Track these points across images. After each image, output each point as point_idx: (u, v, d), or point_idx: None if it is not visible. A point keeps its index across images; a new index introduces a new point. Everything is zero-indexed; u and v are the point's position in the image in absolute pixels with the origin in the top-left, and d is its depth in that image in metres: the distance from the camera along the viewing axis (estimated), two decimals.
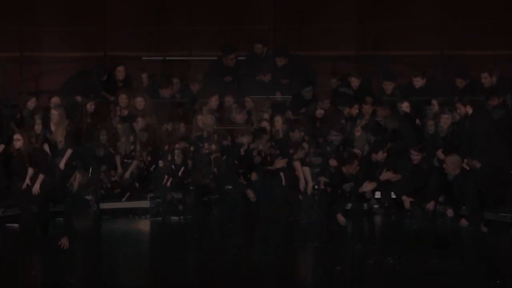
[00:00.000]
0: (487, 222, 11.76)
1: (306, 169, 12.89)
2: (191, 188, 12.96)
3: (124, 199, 12.92)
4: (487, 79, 13.41)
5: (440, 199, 12.33)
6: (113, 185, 12.95)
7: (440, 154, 12.47)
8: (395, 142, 12.84)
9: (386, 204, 12.51)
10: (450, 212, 12.08)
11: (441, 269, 9.80)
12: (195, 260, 10.67)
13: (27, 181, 11.67)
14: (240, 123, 13.67)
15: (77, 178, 11.45)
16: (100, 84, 14.20)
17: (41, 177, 11.64)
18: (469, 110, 12.52)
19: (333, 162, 12.81)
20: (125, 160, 13.15)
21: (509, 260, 10.50)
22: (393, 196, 12.52)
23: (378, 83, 14.38)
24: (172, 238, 11.80)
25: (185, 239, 11.67)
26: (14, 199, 11.97)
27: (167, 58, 16.00)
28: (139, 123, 13.38)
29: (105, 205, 12.50)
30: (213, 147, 13.06)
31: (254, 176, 12.94)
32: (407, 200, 12.31)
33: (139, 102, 13.54)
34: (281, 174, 12.93)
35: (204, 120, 13.38)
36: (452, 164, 12.08)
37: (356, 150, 12.98)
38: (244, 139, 13.13)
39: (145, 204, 12.98)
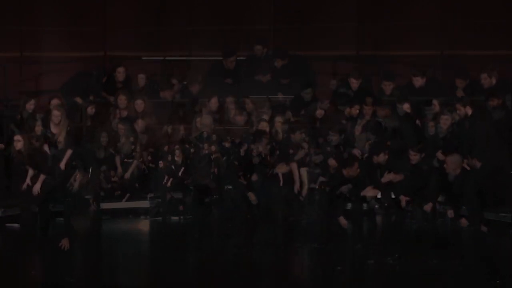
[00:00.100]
0: (487, 222, 11.77)
1: (303, 171, 12.88)
2: (191, 188, 12.97)
3: (124, 200, 12.92)
4: (486, 80, 13.42)
5: (440, 199, 12.33)
6: (113, 185, 12.95)
7: (439, 155, 12.47)
8: (395, 141, 12.83)
9: (386, 204, 12.51)
10: (450, 213, 12.09)
11: (441, 269, 9.80)
12: (195, 260, 10.67)
13: (28, 181, 11.67)
14: (240, 124, 13.68)
15: (77, 178, 11.46)
16: (100, 85, 14.22)
17: (41, 177, 11.64)
18: (469, 111, 12.53)
19: (331, 162, 12.81)
20: (125, 160, 13.16)
21: (509, 260, 10.51)
22: (393, 196, 12.51)
23: (378, 83, 14.37)
24: (172, 238, 11.80)
25: (185, 239, 11.67)
26: (14, 199, 11.98)
27: (167, 58, 15.99)
28: (139, 125, 13.39)
29: (105, 205, 12.50)
30: (213, 148, 13.06)
31: (254, 177, 12.94)
32: (403, 199, 12.31)
33: (139, 104, 13.58)
34: (280, 174, 12.93)
35: (202, 120, 13.38)
36: (453, 164, 12.09)
37: (356, 151, 12.98)
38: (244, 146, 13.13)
39: (145, 204, 12.99)
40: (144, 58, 15.81)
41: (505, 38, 14.72)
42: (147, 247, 11.68)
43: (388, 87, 13.93)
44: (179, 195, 12.95)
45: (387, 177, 12.51)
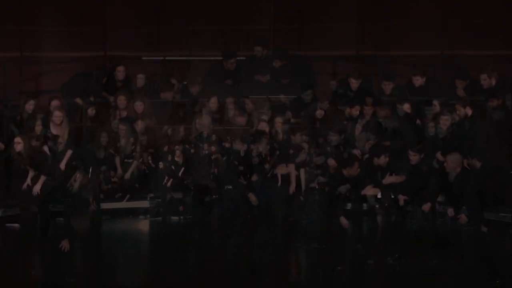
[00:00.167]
0: (487, 222, 11.77)
1: (302, 172, 12.88)
2: (191, 188, 12.96)
3: (124, 201, 12.93)
4: (486, 81, 13.42)
5: (440, 199, 12.33)
6: (113, 186, 12.95)
7: (439, 155, 12.47)
8: (395, 141, 12.83)
9: (386, 204, 12.51)
10: (450, 212, 12.08)
11: (441, 269, 9.80)
12: (195, 260, 10.67)
13: (28, 181, 11.67)
14: (241, 124, 13.68)
15: (78, 179, 11.45)
16: (100, 86, 14.22)
17: (42, 178, 11.63)
18: (469, 112, 12.53)
19: (331, 162, 12.81)
20: (126, 161, 13.16)
21: (509, 260, 10.50)
22: (392, 196, 12.51)
23: (378, 83, 14.37)
24: (172, 238, 11.80)
25: (185, 239, 11.68)
26: (14, 199, 11.97)
27: (167, 58, 15.99)
28: (139, 126, 13.40)
29: (105, 205, 12.49)
30: (213, 148, 13.06)
31: (254, 177, 12.94)
32: (401, 199, 12.30)
33: (138, 106, 13.61)
34: (278, 175, 12.92)
35: (201, 121, 13.38)
36: (453, 162, 12.09)
37: (356, 151, 12.98)
38: (239, 146, 13.10)
39: (145, 204, 12.99)
40: (144, 58, 15.81)
41: (505, 38, 14.71)
42: (147, 247, 11.68)
43: (388, 86, 13.93)
44: (179, 195, 12.95)
45: (389, 179, 12.50)
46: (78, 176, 11.52)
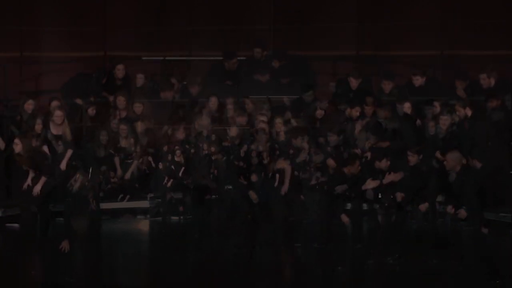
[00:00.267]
0: (487, 222, 11.77)
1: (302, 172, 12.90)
2: (191, 188, 12.97)
3: (124, 201, 12.93)
4: (485, 81, 13.43)
5: (440, 199, 12.33)
6: (113, 186, 12.95)
7: (439, 155, 12.47)
8: (395, 142, 12.83)
9: (386, 204, 12.50)
10: (450, 208, 12.06)
11: (441, 269, 9.80)
12: (195, 260, 10.67)
13: (28, 181, 11.66)
14: (241, 124, 13.68)
15: (78, 179, 11.45)
16: (100, 86, 14.23)
17: (43, 178, 11.62)
18: (469, 112, 12.53)
19: (330, 162, 12.80)
20: (126, 161, 13.17)
21: (509, 260, 10.50)
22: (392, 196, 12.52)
23: (378, 83, 14.37)
24: (172, 238, 11.80)
25: (185, 239, 11.68)
26: (14, 199, 11.97)
27: (167, 58, 15.99)
28: (139, 127, 13.41)
29: (105, 205, 12.48)
30: (213, 148, 13.06)
31: (254, 177, 12.94)
32: (399, 196, 12.29)
33: (137, 107, 13.62)
34: (276, 175, 12.92)
35: (200, 121, 13.38)
36: (453, 160, 12.08)
37: (357, 150, 12.97)
38: (233, 132, 13.09)
39: (145, 204, 12.99)
40: (144, 58, 15.82)
41: (505, 38, 14.72)
42: (147, 247, 11.68)
43: (387, 86, 13.94)
44: (179, 195, 12.95)
45: (388, 178, 12.49)
46: (78, 176, 11.51)
